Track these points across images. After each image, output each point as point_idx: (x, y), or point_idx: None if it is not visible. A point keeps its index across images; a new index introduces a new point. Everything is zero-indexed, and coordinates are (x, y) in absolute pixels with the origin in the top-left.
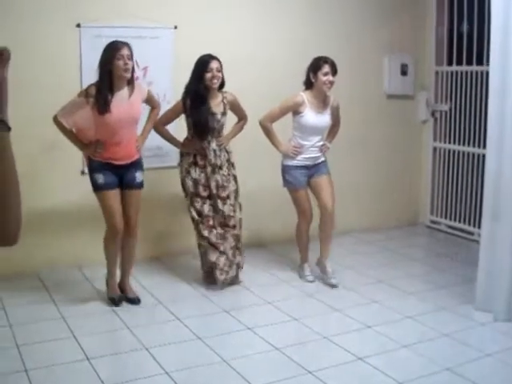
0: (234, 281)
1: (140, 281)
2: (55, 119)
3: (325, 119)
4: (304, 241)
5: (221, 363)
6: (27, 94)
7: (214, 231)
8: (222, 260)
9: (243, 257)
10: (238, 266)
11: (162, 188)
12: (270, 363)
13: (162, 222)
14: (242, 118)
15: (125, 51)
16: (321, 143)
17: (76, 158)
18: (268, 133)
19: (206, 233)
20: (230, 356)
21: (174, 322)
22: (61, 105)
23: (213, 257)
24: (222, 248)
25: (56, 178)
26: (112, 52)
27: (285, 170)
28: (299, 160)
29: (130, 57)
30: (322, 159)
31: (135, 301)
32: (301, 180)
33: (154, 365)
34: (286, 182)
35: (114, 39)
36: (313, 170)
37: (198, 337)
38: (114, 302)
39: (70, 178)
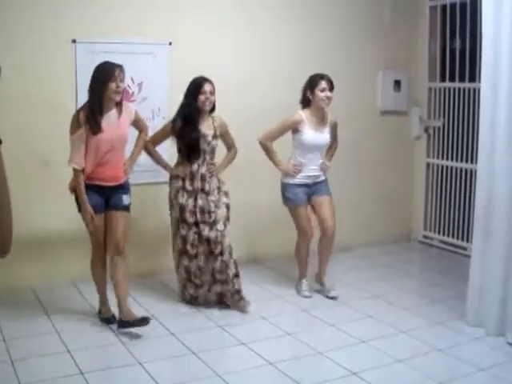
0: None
1: (134, 297)
2: (75, 172)
3: (324, 137)
4: (303, 258)
5: (215, 378)
6: (22, 110)
7: (195, 261)
8: (201, 292)
9: (235, 283)
10: (218, 295)
11: (155, 203)
12: (264, 378)
13: (155, 237)
14: (230, 146)
15: (119, 74)
16: (321, 161)
17: (70, 175)
18: (268, 152)
19: (185, 262)
20: (224, 371)
21: (168, 336)
22: (55, 120)
23: (190, 290)
24: (198, 282)
25: (51, 194)
26: (107, 74)
27: (285, 187)
28: (299, 178)
29: (122, 79)
30: (323, 178)
31: (144, 321)
32: (301, 197)
33: (148, 380)
34: (286, 200)
35: (110, 53)
36: (313, 188)
37: (192, 352)
38: (108, 321)
39: (64, 195)
